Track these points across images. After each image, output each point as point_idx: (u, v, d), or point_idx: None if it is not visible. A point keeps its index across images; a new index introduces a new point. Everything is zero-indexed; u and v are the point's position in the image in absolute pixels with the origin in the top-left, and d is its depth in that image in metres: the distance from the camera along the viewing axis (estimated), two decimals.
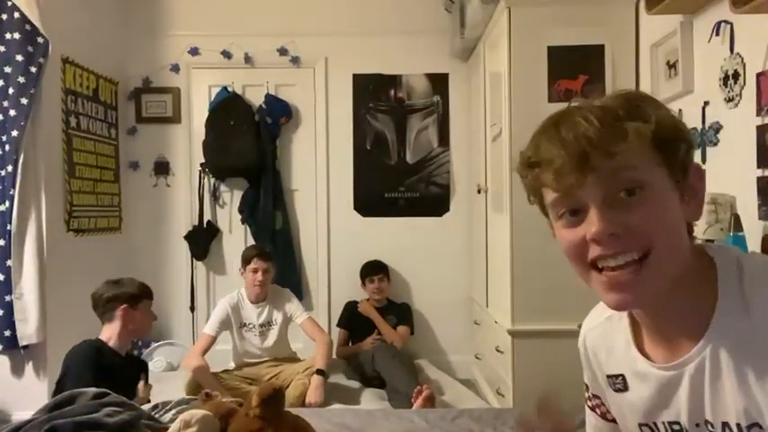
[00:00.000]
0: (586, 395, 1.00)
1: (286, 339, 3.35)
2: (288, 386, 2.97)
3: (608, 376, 0.90)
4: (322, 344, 3.16)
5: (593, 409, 0.99)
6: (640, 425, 0.85)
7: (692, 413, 0.76)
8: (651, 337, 0.82)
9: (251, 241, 4.07)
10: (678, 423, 0.79)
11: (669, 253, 0.73)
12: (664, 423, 0.81)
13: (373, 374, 3.31)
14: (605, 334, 0.91)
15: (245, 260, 3.25)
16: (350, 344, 3.79)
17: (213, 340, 3.15)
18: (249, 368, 3.24)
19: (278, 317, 3.27)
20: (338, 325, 3.89)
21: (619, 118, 0.73)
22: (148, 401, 2.22)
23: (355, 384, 3.37)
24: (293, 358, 3.36)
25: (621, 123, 0.73)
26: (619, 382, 0.87)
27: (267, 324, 3.27)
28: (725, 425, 0.73)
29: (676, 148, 0.75)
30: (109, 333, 2.34)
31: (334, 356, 3.63)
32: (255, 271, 3.20)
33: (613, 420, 0.95)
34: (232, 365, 3.32)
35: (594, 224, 0.73)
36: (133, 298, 2.38)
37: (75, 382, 2.05)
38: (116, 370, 2.25)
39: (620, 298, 0.75)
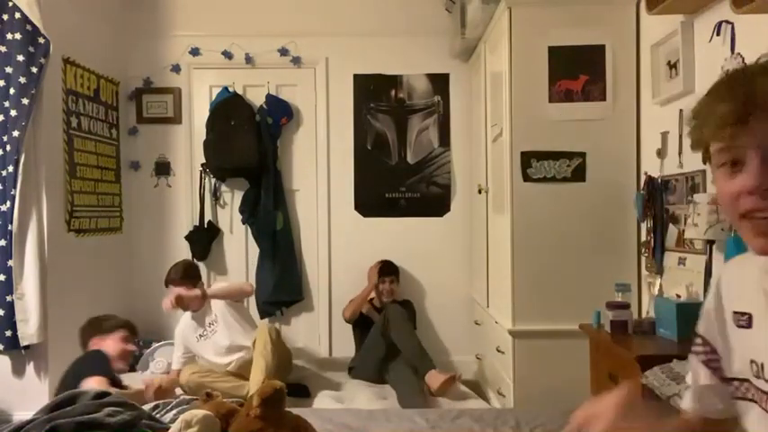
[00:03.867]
0: (698, 349, 1.02)
1: (241, 324, 3.35)
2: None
3: (735, 312, 0.93)
4: (221, 284, 3.36)
5: (707, 363, 1.00)
6: (752, 361, 0.88)
7: None
8: None
9: (252, 241, 4.08)
10: None
11: None
12: None
13: (381, 349, 3.31)
14: (743, 270, 0.95)
15: (165, 286, 3.32)
16: (358, 339, 3.77)
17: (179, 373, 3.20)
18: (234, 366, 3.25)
19: (216, 309, 3.31)
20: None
21: None
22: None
23: (356, 384, 3.37)
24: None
25: None
26: (744, 319, 0.91)
27: (214, 321, 3.30)
28: None
29: None
30: None
31: (331, 355, 3.64)
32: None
33: (722, 378, 0.98)
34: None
35: (752, 177, 0.77)
36: (105, 328, 2.77)
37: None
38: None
39: (766, 243, 0.79)
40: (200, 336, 3.31)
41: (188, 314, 3.34)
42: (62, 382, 2.54)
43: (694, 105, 0.86)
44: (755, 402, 0.88)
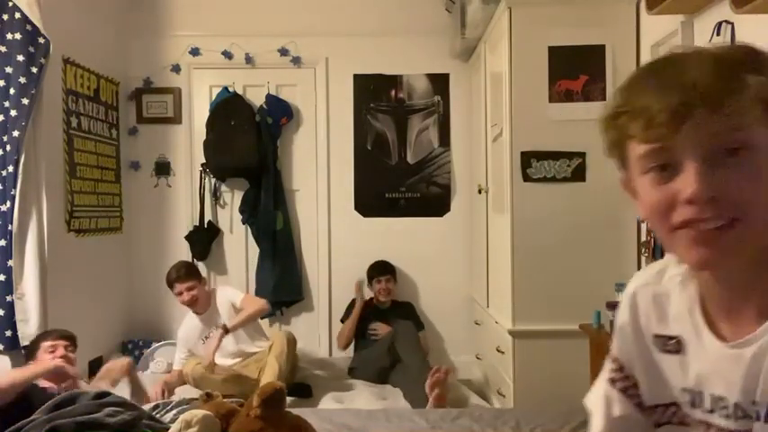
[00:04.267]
0: (613, 376, 0.91)
1: (249, 332, 3.37)
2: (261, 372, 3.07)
3: (657, 336, 0.83)
4: (249, 309, 3.25)
5: (623, 391, 0.89)
6: (684, 389, 0.80)
7: (744, 392, 0.73)
8: (716, 309, 0.77)
9: (252, 241, 4.08)
10: (724, 399, 0.75)
11: (763, 224, 0.67)
12: (711, 395, 0.77)
13: (387, 359, 3.30)
14: (663, 293, 0.84)
15: (168, 286, 3.31)
16: (352, 343, 3.78)
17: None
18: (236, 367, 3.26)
19: (224, 314, 3.30)
20: (342, 320, 3.90)
21: (739, 69, 0.65)
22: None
23: (356, 384, 3.37)
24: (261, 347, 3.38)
25: (741, 75, 0.65)
26: (671, 344, 0.81)
27: (220, 327, 3.26)
28: None
29: None
30: None
31: (330, 356, 3.64)
32: (180, 294, 3.26)
33: (631, 397, 0.88)
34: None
35: (692, 184, 0.65)
36: (31, 351, 2.60)
37: None
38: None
39: (706, 254, 0.68)
40: (206, 338, 3.28)
41: (192, 315, 3.33)
42: None
43: (611, 100, 0.74)
44: (687, 426, 0.81)
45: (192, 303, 3.26)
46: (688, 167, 0.66)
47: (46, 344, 2.63)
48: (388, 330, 3.53)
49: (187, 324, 3.35)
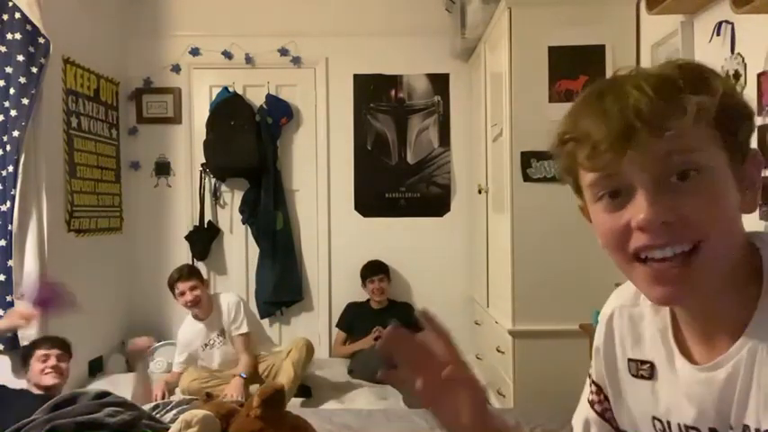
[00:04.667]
0: (592, 398, 0.90)
1: (256, 335, 3.36)
2: (275, 376, 3.06)
3: (631, 360, 0.81)
4: (243, 362, 3.16)
5: (601, 414, 0.90)
6: (654, 418, 0.78)
7: (719, 417, 0.70)
8: (689, 332, 0.75)
9: (252, 241, 4.08)
10: (696, 429, 0.73)
11: (723, 247, 0.65)
12: (680, 425, 0.75)
13: (380, 369, 3.30)
14: (638, 315, 0.82)
15: (170, 287, 3.25)
16: (347, 344, 3.80)
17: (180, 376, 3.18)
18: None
19: (226, 323, 3.26)
20: (337, 326, 3.90)
21: (679, 89, 0.63)
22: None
23: (356, 384, 3.37)
24: (272, 351, 3.38)
25: (681, 96, 0.63)
26: (644, 369, 0.79)
27: (222, 332, 3.26)
28: (746, 428, 0.68)
29: (739, 128, 0.66)
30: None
31: (330, 357, 3.64)
32: (183, 294, 3.19)
33: (609, 421, 0.88)
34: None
35: (643, 210, 0.64)
36: (25, 357, 2.59)
37: None
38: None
39: (667, 292, 0.66)
40: (207, 345, 3.26)
41: (193, 321, 3.29)
42: None
43: (559, 127, 0.72)
44: None
45: (194, 304, 3.20)
46: (638, 194, 0.64)
47: (39, 352, 2.62)
48: (377, 339, 3.52)
49: (188, 329, 3.30)
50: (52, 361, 2.59)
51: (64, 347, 2.67)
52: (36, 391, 2.44)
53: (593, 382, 0.89)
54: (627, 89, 0.64)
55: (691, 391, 0.73)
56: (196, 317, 3.28)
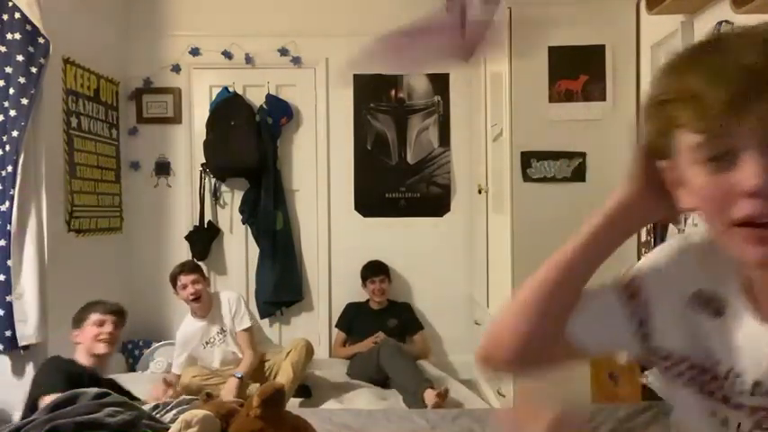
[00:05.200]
0: (622, 293, 0.84)
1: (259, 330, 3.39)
2: (275, 376, 3.07)
3: (698, 292, 0.78)
4: (248, 358, 3.15)
5: (668, 369, 0.82)
6: (706, 352, 0.76)
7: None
8: (762, 291, 0.73)
9: (252, 241, 4.08)
10: (742, 376, 0.72)
11: None
12: (729, 369, 0.73)
13: (378, 375, 3.31)
14: (713, 253, 0.78)
15: (172, 281, 3.24)
16: (347, 345, 3.80)
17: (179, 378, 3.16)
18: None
19: (227, 321, 3.26)
20: (337, 326, 3.90)
21: None
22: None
23: (356, 384, 3.37)
24: (273, 351, 3.38)
25: None
26: (711, 306, 0.76)
27: (222, 331, 3.25)
28: None
29: None
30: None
31: (330, 357, 3.63)
32: (185, 287, 3.18)
33: (643, 336, 0.83)
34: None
35: (754, 176, 0.61)
36: (79, 320, 2.46)
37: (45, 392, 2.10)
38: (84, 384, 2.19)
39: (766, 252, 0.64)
40: (207, 343, 3.25)
41: (192, 319, 3.28)
42: (27, 400, 2.40)
43: (654, 88, 0.69)
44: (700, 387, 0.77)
45: (195, 299, 3.18)
46: (749, 158, 0.62)
47: (95, 316, 2.52)
48: (376, 343, 3.52)
49: (186, 327, 3.29)
50: (108, 327, 2.49)
51: (120, 314, 2.58)
52: (83, 361, 2.40)
53: (633, 284, 0.85)
54: (739, 48, 0.62)
55: (748, 342, 0.72)
56: (195, 314, 3.27)
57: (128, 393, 2.39)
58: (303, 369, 3.15)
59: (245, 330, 3.23)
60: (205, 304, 3.25)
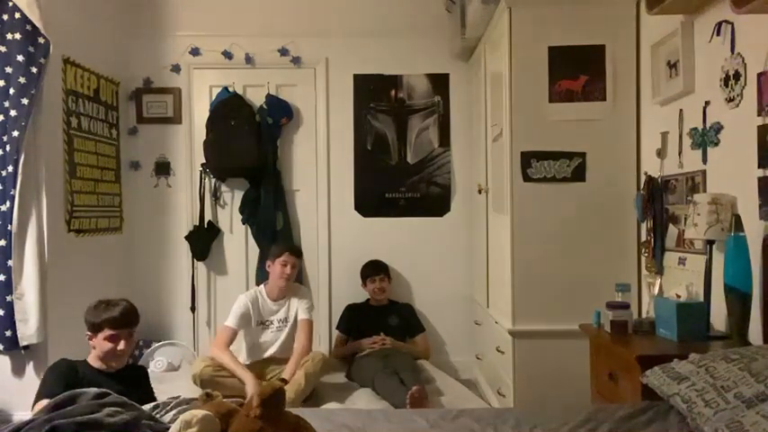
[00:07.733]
0: None
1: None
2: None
3: None
4: (297, 350, 3.18)
5: None
6: None
7: None
8: None
9: (252, 241, 4.08)
10: None
11: None
12: None
13: (380, 372, 3.29)
14: None
15: (276, 254, 3.33)
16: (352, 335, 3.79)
17: (235, 333, 3.22)
18: (257, 364, 3.27)
19: (293, 313, 3.33)
20: (338, 328, 3.89)
21: None
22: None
23: (356, 384, 3.36)
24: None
25: None
26: None
27: (284, 320, 3.32)
28: None
29: None
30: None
31: (330, 356, 3.64)
32: (285, 264, 3.28)
33: None
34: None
35: None
36: (93, 327, 2.30)
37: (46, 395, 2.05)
38: (93, 385, 2.11)
39: None
40: (262, 323, 3.31)
41: (265, 296, 3.33)
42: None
43: None
44: None
45: (286, 278, 3.27)
46: None
47: (108, 332, 2.27)
48: (383, 346, 3.53)
49: (257, 300, 3.32)
50: (121, 345, 2.29)
51: (133, 325, 2.36)
52: (95, 364, 2.33)
53: None
54: None
55: None
56: (270, 294, 3.34)
57: (149, 389, 2.41)
58: (315, 381, 3.16)
59: (307, 320, 3.29)
60: (286, 287, 3.32)
